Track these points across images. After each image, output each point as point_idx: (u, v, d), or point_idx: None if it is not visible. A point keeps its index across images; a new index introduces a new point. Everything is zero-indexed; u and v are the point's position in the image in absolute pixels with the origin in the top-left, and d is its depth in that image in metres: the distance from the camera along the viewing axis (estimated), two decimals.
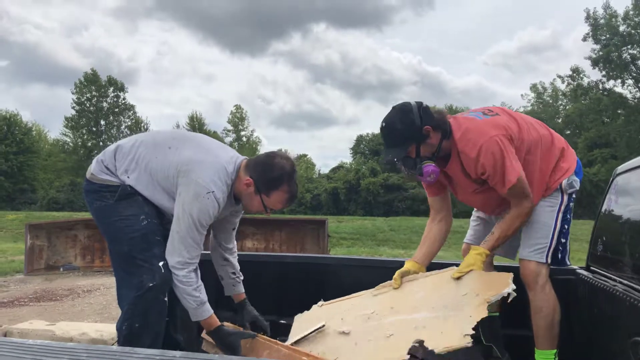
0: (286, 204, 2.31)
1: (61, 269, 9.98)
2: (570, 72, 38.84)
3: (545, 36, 73.90)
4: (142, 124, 47.18)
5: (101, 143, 44.40)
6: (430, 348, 1.94)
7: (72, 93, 45.78)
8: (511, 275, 2.19)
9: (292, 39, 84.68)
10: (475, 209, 2.80)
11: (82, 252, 10.40)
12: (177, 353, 1.17)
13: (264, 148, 54.40)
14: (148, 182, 2.24)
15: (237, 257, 2.61)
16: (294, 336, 2.42)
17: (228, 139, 50.91)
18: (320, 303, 2.60)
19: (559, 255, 2.48)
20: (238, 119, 53.10)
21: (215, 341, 2.28)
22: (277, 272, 3.00)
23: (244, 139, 52.92)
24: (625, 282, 2.02)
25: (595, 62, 34.42)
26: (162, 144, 2.29)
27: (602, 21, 34.14)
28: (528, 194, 2.31)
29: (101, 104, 46.14)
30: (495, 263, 2.64)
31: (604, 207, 2.51)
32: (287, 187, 2.25)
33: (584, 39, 34.86)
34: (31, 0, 77.37)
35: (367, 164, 41.86)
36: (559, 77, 41.26)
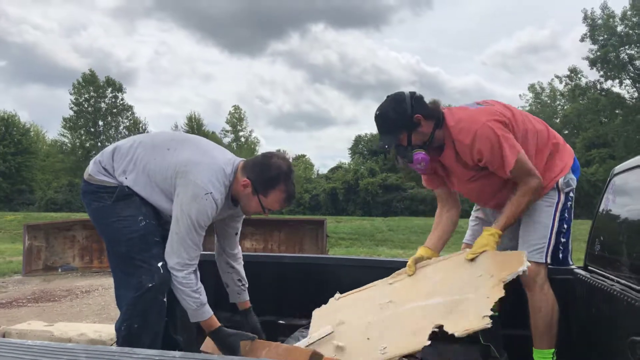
0: (284, 203, 2.31)
1: (59, 270, 9.96)
2: (568, 72, 39.01)
3: (544, 36, 74.03)
4: (141, 125, 47.16)
5: (99, 144, 44.36)
6: (450, 332, 1.94)
7: (70, 94, 45.84)
8: (525, 253, 2.20)
9: (290, 39, 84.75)
10: (473, 209, 2.81)
11: (81, 253, 10.38)
12: (176, 353, 1.17)
13: (263, 148, 54.46)
14: (146, 183, 2.24)
15: (242, 264, 2.61)
16: (313, 331, 2.41)
17: (226, 139, 50.95)
18: (337, 296, 2.59)
19: (560, 255, 2.48)
20: (236, 119, 53.10)
21: (215, 342, 2.28)
22: (275, 272, 3.00)
23: (243, 139, 52.95)
24: (623, 281, 2.03)
25: (593, 63, 34.49)
26: (160, 146, 2.29)
27: (599, 21, 34.20)
28: (532, 171, 2.31)
29: (99, 105, 46.10)
30: None
31: (602, 206, 2.51)
32: (285, 186, 2.26)
33: (582, 40, 34.98)
34: (30, 0, 77.38)
35: (365, 164, 41.89)
36: (557, 77, 41.48)
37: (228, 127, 52.70)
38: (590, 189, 27.39)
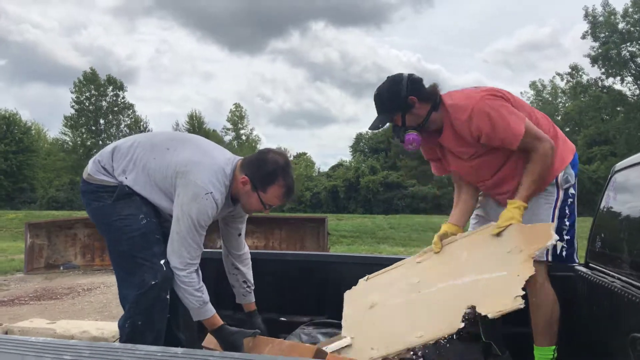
0: (283, 198, 2.30)
1: (61, 268, 9.98)
2: (570, 70, 38.93)
3: (545, 34, 73.93)
4: (142, 123, 47.07)
5: (100, 142, 44.29)
6: (483, 314, 1.92)
7: (71, 92, 45.69)
8: (553, 224, 2.18)
9: (291, 37, 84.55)
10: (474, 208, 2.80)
11: (82, 251, 10.41)
12: (179, 350, 1.17)
13: (264, 146, 53.77)
14: (145, 183, 2.25)
15: (249, 265, 2.60)
16: (347, 315, 2.43)
17: (227, 138, 50.87)
18: (366, 277, 2.56)
19: (564, 253, 2.46)
20: (237, 118, 53.01)
21: (218, 340, 2.28)
22: (277, 270, 3.01)
23: (244, 137, 52.83)
24: (624, 278, 2.03)
25: (594, 60, 34.39)
26: (160, 145, 2.29)
27: (601, 19, 34.10)
28: (540, 135, 2.27)
29: (100, 103, 46.00)
30: None
31: (603, 204, 2.51)
32: (283, 180, 2.26)
33: (583, 37, 34.88)
34: None
35: (366, 162, 41.82)
36: (558, 74, 41.39)
37: (229, 125, 52.64)
38: (591, 187, 27.33)
